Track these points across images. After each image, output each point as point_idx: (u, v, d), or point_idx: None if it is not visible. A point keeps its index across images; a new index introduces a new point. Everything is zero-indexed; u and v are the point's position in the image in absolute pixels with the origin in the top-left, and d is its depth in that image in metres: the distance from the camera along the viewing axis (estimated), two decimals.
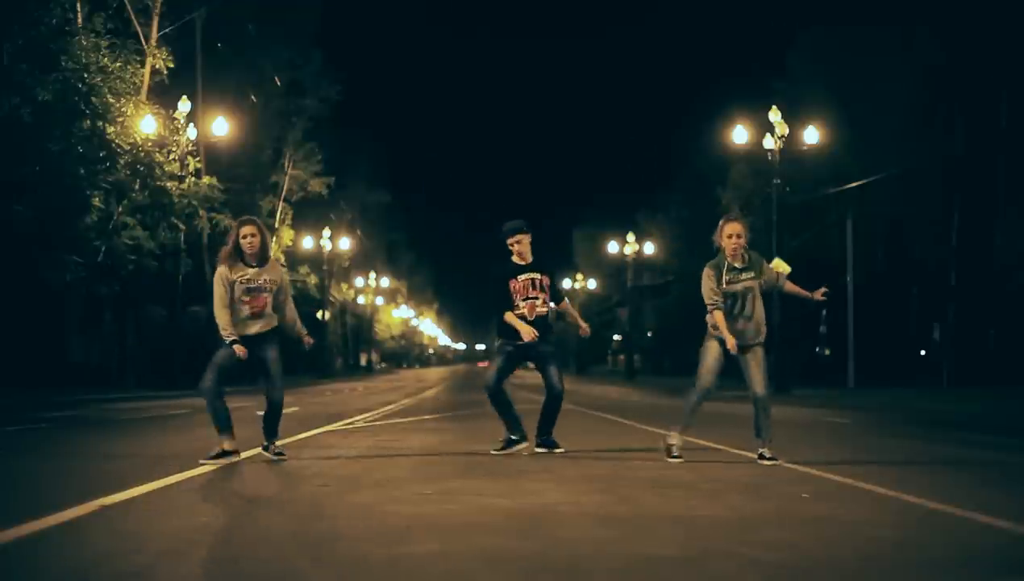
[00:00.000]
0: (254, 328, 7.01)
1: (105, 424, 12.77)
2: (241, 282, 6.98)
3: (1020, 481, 6.87)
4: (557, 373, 7.86)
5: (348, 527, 4.33)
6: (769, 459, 7.01)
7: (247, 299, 6.99)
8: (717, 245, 7.13)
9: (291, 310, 7.28)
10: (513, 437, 7.80)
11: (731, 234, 7.01)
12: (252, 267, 7.02)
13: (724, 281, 7.02)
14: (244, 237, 6.98)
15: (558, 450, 7.81)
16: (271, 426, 7.24)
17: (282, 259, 39.91)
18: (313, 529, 4.28)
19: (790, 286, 7.29)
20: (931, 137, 30.64)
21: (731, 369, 7.13)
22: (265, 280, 7.03)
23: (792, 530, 4.30)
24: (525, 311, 7.75)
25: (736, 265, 7.04)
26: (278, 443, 7.43)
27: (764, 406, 7.03)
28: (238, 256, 7.01)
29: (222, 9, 29.54)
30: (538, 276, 7.84)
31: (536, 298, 7.79)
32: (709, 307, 7.01)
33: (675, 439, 7.29)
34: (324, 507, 4.95)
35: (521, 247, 7.89)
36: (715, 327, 7.01)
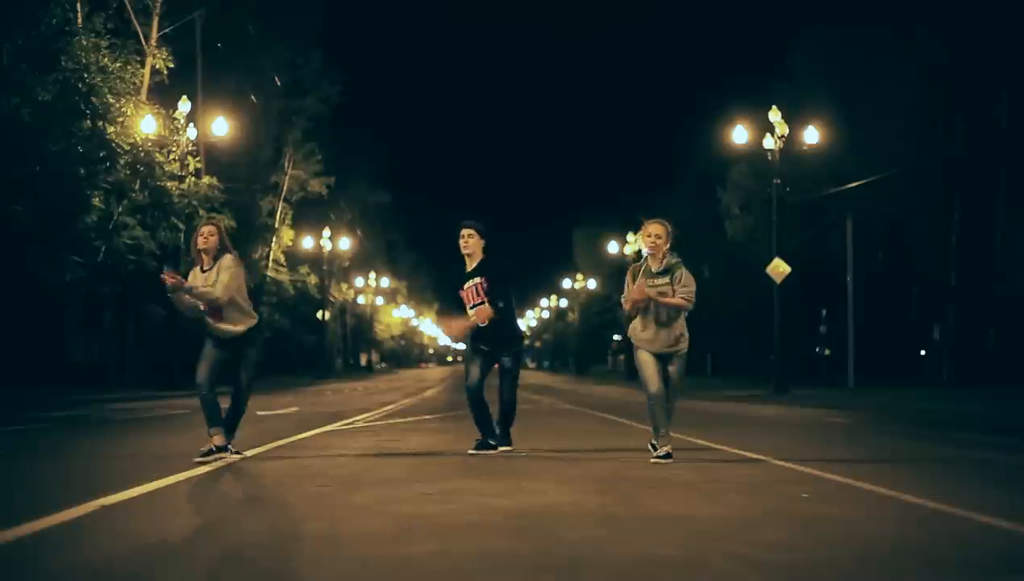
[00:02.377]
0: (222, 328, 6.98)
1: (105, 424, 12.77)
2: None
3: (1020, 481, 6.86)
4: (509, 389, 7.77)
5: (348, 527, 4.32)
6: (661, 455, 7.01)
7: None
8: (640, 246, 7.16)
9: (219, 288, 6.91)
10: (491, 442, 7.79)
11: (651, 234, 6.96)
12: (204, 272, 6.98)
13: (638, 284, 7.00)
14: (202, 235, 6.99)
15: (501, 449, 7.76)
16: (225, 418, 7.08)
17: (282, 259, 39.96)
18: (313, 529, 4.28)
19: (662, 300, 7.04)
20: (931, 137, 30.60)
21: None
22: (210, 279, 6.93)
23: (792, 530, 4.30)
24: (476, 320, 7.57)
25: (653, 268, 6.99)
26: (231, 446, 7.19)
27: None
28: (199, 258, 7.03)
29: (222, 9, 29.56)
30: (479, 280, 7.64)
31: (482, 303, 7.59)
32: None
33: (665, 446, 7.19)
34: (324, 507, 4.95)
35: (466, 248, 7.68)
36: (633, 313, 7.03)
